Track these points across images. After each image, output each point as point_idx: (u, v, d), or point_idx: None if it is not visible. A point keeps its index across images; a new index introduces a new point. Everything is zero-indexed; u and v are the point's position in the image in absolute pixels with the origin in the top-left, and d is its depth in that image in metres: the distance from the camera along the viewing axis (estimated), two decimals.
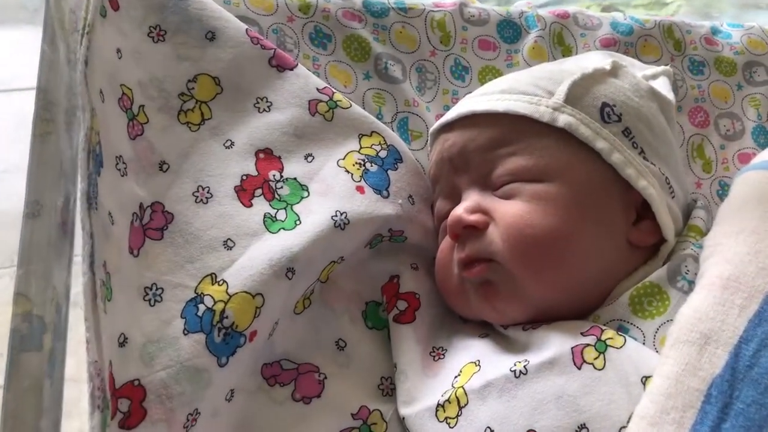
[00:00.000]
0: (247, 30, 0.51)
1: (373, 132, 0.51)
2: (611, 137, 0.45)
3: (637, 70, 0.53)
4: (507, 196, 0.45)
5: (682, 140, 0.60)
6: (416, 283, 0.50)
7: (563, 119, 0.45)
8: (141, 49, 0.48)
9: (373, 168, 0.50)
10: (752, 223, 0.39)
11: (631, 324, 0.42)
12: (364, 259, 0.50)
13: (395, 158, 0.51)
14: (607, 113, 0.46)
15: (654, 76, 0.52)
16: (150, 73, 0.48)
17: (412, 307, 0.48)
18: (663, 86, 0.51)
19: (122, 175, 0.44)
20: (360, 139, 0.51)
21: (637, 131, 0.46)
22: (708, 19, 1.49)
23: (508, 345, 0.45)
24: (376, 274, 0.50)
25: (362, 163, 0.49)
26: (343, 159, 0.50)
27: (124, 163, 0.44)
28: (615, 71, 0.49)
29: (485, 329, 0.47)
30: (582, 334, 0.41)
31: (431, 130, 0.52)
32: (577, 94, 0.46)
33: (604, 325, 0.42)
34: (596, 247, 0.44)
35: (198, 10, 0.50)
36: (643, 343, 0.41)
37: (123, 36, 0.47)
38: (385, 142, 0.51)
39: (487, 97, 0.48)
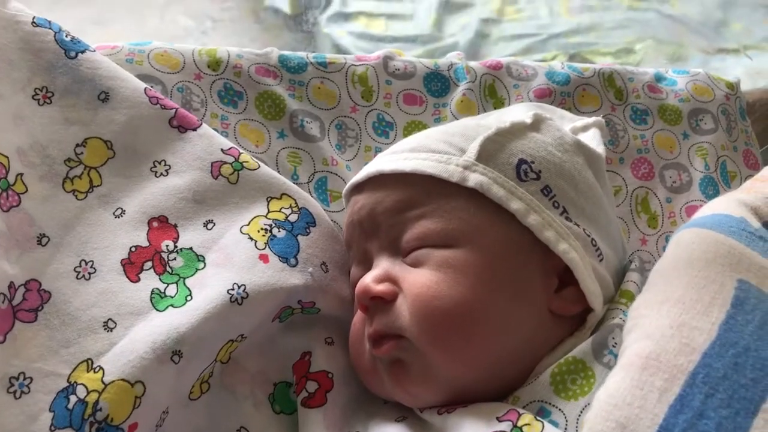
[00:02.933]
0: (146, 89, 0.48)
1: (283, 194, 0.47)
2: (528, 197, 0.41)
3: (567, 122, 0.50)
4: (415, 264, 0.41)
5: (625, 194, 0.57)
6: (329, 360, 0.45)
7: (474, 178, 0.41)
8: (23, 113, 0.45)
9: (281, 234, 0.46)
10: (678, 292, 0.35)
11: (553, 406, 0.37)
12: (272, 335, 0.46)
13: (307, 221, 0.47)
14: (523, 170, 0.42)
15: (584, 128, 0.49)
16: (32, 138, 0.45)
17: (323, 389, 0.44)
18: (592, 139, 0.48)
19: None
20: (268, 203, 0.47)
21: (558, 189, 0.42)
22: (676, 65, 1.49)
23: (424, 430, 0.40)
24: (287, 351, 0.46)
25: (269, 228, 0.45)
26: (248, 225, 0.46)
27: None
28: (536, 125, 0.45)
29: (403, 411, 0.43)
30: (498, 419, 0.36)
31: (344, 191, 0.48)
32: (491, 150, 0.42)
33: (524, 407, 0.38)
34: (513, 319, 0.39)
35: (91, 69, 0.47)
36: (565, 429, 0.36)
37: (1, 100, 0.44)
38: (297, 205, 0.47)
39: (395, 156, 0.44)
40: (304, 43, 1.93)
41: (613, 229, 0.46)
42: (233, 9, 2.27)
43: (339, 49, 1.54)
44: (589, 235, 0.42)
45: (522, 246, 0.41)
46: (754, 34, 1.53)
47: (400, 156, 0.43)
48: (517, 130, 0.44)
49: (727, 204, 0.45)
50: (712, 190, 0.58)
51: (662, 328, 0.33)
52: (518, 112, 0.49)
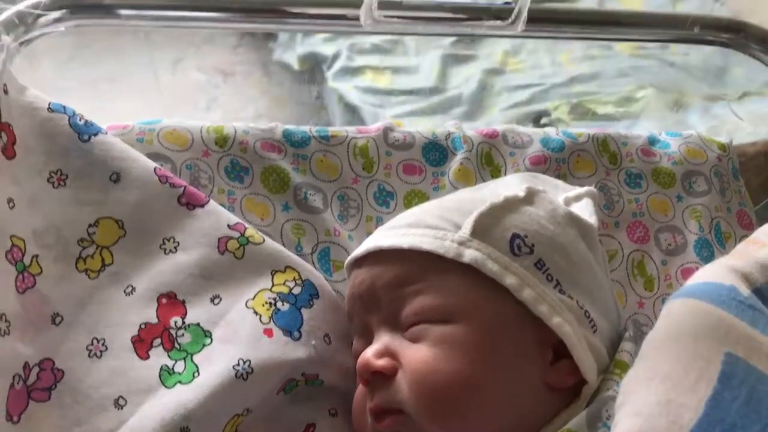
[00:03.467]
0: (155, 168, 0.50)
1: (287, 267, 0.49)
2: (522, 271, 0.42)
3: (560, 192, 0.52)
4: (415, 339, 0.42)
5: (621, 257, 0.58)
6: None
7: (469, 254, 0.42)
8: (39, 196, 0.47)
9: (285, 307, 0.47)
10: (666, 367, 0.36)
11: None
12: (277, 407, 0.47)
13: (310, 294, 0.49)
14: (517, 245, 0.43)
15: (577, 198, 0.51)
16: (48, 220, 0.47)
17: None
18: (585, 209, 0.49)
19: (2, 335, 0.41)
20: (273, 276, 0.49)
21: (551, 262, 0.44)
22: (677, 112, 1.50)
23: None
24: (291, 424, 0.47)
25: (272, 302, 0.47)
26: (253, 299, 0.47)
27: (6, 321, 0.42)
28: (529, 198, 0.47)
29: None
30: None
31: (345, 263, 0.49)
32: (485, 226, 0.44)
33: None
34: (509, 393, 0.41)
35: (103, 151, 0.50)
36: None
37: (17, 185, 0.46)
38: (300, 277, 0.49)
39: (394, 231, 0.46)
40: (311, 97, 1.97)
41: (607, 299, 0.47)
42: (244, 63, 2.33)
43: (346, 104, 1.58)
44: (582, 307, 0.43)
45: (517, 320, 0.42)
46: (755, 80, 1.55)
47: (399, 231, 0.45)
48: (510, 204, 0.46)
49: (718, 271, 0.47)
50: (707, 251, 0.59)
51: (650, 405, 0.34)
52: (512, 183, 0.51)
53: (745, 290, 0.45)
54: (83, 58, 2.00)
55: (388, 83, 1.60)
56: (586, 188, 0.51)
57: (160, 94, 2.10)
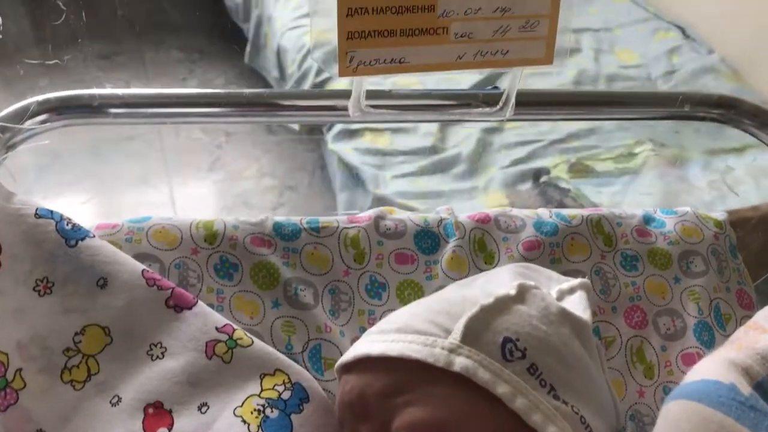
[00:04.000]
0: (143, 271, 0.50)
1: (276, 370, 0.48)
2: (514, 378, 0.41)
3: (554, 283, 0.51)
4: None
5: (619, 344, 0.57)
6: None
7: (459, 363, 0.41)
8: (24, 306, 0.47)
9: (274, 414, 0.46)
10: None
11: None
12: None
13: (300, 398, 0.48)
14: (509, 350, 0.42)
15: (570, 291, 0.50)
16: (33, 330, 0.46)
17: None
18: (579, 303, 0.48)
19: None
20: (262, 380, 0.48)
21: (544, 366, 0.43)
22: (678, 167, 1.50)
23: None
24: None
25: (261, 409, 0.46)
26: (241, 406, 0.46)
27: None
28: (521, 296, 0.46)
29: None
30: None
31: (335, 367, 0.49)
32: (476, 330, 0.43)
33: None
34: None
35: (90, 256, 0.49)
36: None
37: (2, 296, 0.46)
38: (290, 380, 0.48)
39: (383, 337, 0.45)
40: (312, 157, 1.98)
41: (603, 398, 0.46)
42: (245, 126, 2.35)
43: (346, 165, 1.58)
44: (577, 413, 0.42)
45: (510, 429, 0.41)
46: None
47: (388, 337, 0.44)
48: (501, 305, 0.45)
49: (718, 368, 0.46)
50: (707, 335, 0.58)
51: None
52: (504, 277, 0.50)
53: (746, 388, 0.44)
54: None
55: (388, 143, 1.61)
56: (579, 280, 0.51)
57: (164, 156, 2.13)
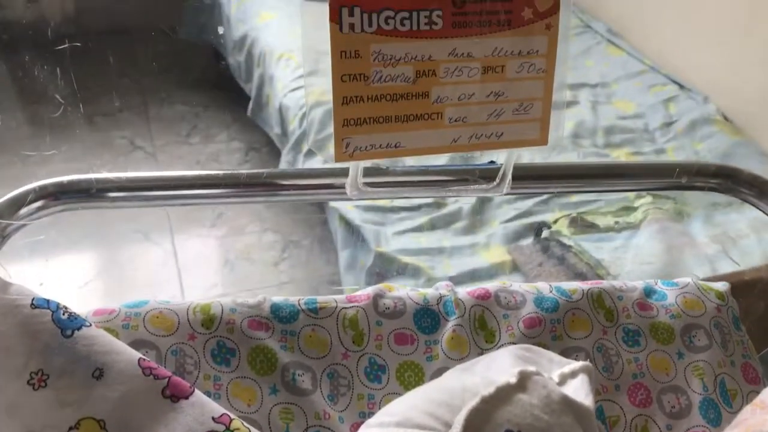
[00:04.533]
0: (140, 360, 0.49)
1: None
2: None
3: (555, 366, 0.50)
4: None
5: (624, 424, 0.56)
6: None
7: None
8: (18, 401, 0.46)
9: None
10: None
11: None
12: None
13: None
14: None
15: (572, 375, 0.49)
16: (26, 427, 0.46)
17: None
18: (581, 388, 0.48)
19: None
20: None
21: None
22: (679, 221, 1.50)
23: None
24: None
25: None
26: None
27: None
28: (522, 384, 0.45)
29: None
30: None
31: None
32: (477, 424, 0.42)
33: None
34: None
35: (86, 346, 0.49)
36: None
37: None
38: None
39: (382, 431, 0.44)
40: (315, 212, 1.99)
41: None
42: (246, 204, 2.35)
43: (348, 223, 1.58)
44: None
45: None
46: None
47: (386, 431, 0.44)
48: (502, 395, 0.44)
49: None
50: (713, 413, 0.57)
51: None
52: (505, 362, 0.50)
53: None
54: None
55: (388, 200, 1.62)
56: (581, 363, 0.50)
57: (166, 212, 2.13)
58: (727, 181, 0.66)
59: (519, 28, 0.49)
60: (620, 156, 1.75)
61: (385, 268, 1.45)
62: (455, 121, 0.51)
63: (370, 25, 0.47)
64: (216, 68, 2.46)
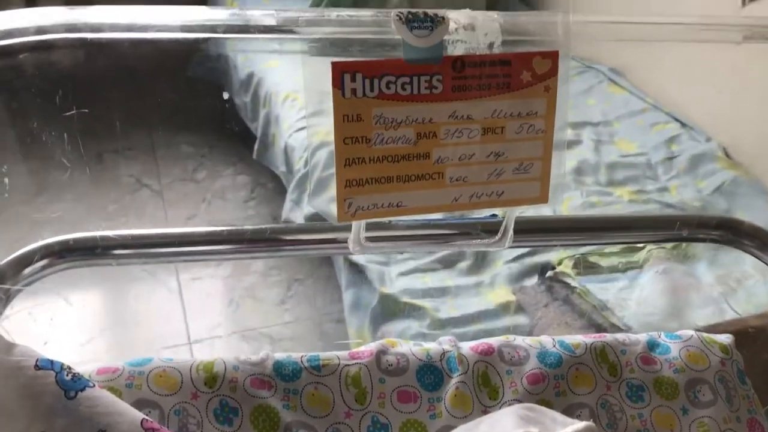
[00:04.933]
0: (142, 421, 0.49)
1: None
2: None
3: (558, 426, 0.50)
4: None
5: None
6: None
7: None
8: None
9: None
10: None
11: None
12: None
13: None
14: None
15: None
16: None
17: None
18: None
19: None
20: None
21: None
22: (684, 261, 1.49)
23: None
24: None
25: None
26: None
27: None
28: None
29: None
30: None
31: None
32: None
33: None
34: None
35: (89, 408, 0.49)
36: None
37: None
38: None
39: None
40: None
41: None
42: (254, 217, 2.38)
43: (352, 263, 1.58)
44: None
45: None
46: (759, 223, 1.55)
47: None
48: None
49: None
50: None
51: None
52: (508, 423, 0.50)
53: None
54: None
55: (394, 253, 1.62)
56: (584, 424, 0.50)
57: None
58: (728, 233, 0.66)
59: (518, 91, 0.50)
60: (623, 194, 1.75)
61: (389, 309, 1.45)
62: (456, 180, 0.52)
63: (372, 89, 0.48)
64: (222, 108, 2.48)
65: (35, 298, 0.57)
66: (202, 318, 1.96)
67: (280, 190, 2.12)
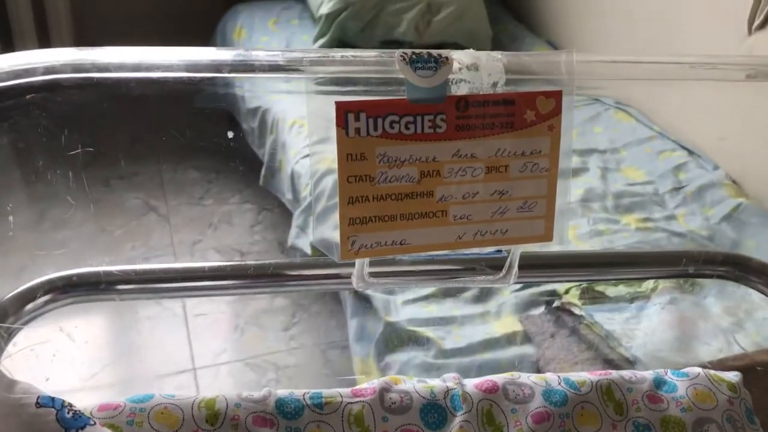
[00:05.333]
0: None
1: None
2: None
3: None
4: None
5: None
6: None
7: None
8: None
9: None
10: None
11: None
12: None
13: None
14: None
15: None
16: None
17: None
18: None
19: None
20: None
21: None
22: (691, 291, 1.49)
23: None
24: None
25: None
26: None
27: None
28: None
29: None
30: None
31: None
32: None
33: None
34: None
35: None
36: None
37: None
38: None
39: None
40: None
41: None
42: (260, 242, 2.38)
43: (357, 292, 1.58)
44: None
45: None
46: None
47: None
48: None
49: None
50: None
51: None
52: None
53: None
54: None
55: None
56: None
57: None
58: (735, 269, 0.66)
59: (522, 130, 0.50)
60: (630, 222, 1.75)
61: (394, 338, 1.44)
62: (460, 218, 0.52)
63: (375, 129, 0.48)
64: (228, 135, 2.50)
65: (38, 332, 0.57)
66: (207, 344, 1.95)
67: (287, 215, 2.12)
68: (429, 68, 0.47)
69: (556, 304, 1.48)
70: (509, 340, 1.43)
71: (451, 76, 0.48)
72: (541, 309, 1.50)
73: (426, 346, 1.39)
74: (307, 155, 1.88)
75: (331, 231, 1.62)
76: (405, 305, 1.51)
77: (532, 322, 1.46)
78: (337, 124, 0.47)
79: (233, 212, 2.44)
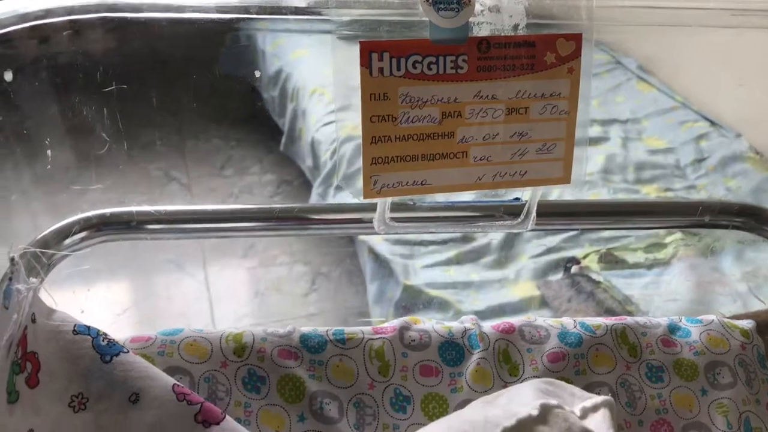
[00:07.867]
0: (174, 386, 0.51)
1: None
2: None
3: (577, 400, 0.51)
4: None
5: None
6: None
7: None
8: (60, 423, 0.48)
9: None
10: None
11: None
12: None
13: None
14: None
15: (594, 409, 0.50)
16: None
17: None
18: (602, 422, 0.48)
19: None
20: None
21: None
22: (710, 256, 1.49)
23: None
24: None
25: None
26: None
27: None
28: (543, 416, 0.46)
29: None
30: None
31: None
32: None
33: None
34: None
35: (123, 372, 0.51)
36: None
37: (38, 415, 0.47)
38: None
39: None
40: (344, 243, 2.01)
41: None
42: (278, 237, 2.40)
43: (377, 256, 1.60)
44: None
45: None
46: None
47: None
48: (523, 427, 0.45)
49: None
50: None
51: None
52: (527, 395, 0.51)
53: None
54: None
55: (417, 234, 1.63)
56: (602, 398, 0.51)
57: (200, 243, 2.18)
58: (750, 219, 0.66)
59: (542, 72, 0.51)
60: (650, 192, 1.75)
61: (412, 301, 1.46)
62: (480, 160, 0.53)
63: (398, 69, 0.49)
64: (251, 103, 2.52)
65: (72, 269, 0.60)
66: (228, 309, 1.99)
67: (306, 187, 2.15)
68: (452, 9, 0.49)
69: (574, 270, 1.49)
70: (527, 304, 1.45)
71: (472, 18, 0.50)
72: (559, 275, 1.51)
73: (444, 309, 1.41)
74: (328, 123, 1.90)
75: (349, 198, 1.63)
76: (424, 269, 1.53)
77: (549, 288, 1.47)
78: (361, 64, 0.49)
79: (254, 183, 2.47)
